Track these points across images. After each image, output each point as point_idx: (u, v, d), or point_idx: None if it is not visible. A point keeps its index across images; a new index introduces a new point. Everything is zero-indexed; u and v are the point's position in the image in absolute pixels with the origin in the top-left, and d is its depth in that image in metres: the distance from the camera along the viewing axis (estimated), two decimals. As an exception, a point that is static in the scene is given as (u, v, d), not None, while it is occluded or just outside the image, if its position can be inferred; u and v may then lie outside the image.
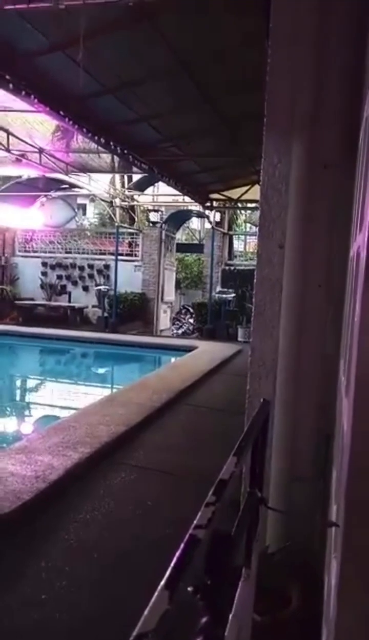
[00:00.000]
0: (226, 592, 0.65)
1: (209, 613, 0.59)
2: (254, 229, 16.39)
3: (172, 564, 0.47)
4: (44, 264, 15.17)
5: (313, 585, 1.97)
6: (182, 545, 0.51)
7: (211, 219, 13.81)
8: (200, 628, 0.58)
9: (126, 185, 14.54)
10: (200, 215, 15.97)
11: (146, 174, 11.69)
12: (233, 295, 13.57)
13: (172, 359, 10.38)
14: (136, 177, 13.94)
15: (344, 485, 1.14)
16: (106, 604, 2.32)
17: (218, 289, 14.15)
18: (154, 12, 4.72)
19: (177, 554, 0.49)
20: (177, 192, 13.18)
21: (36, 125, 8.34)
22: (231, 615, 0.89)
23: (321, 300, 2.40)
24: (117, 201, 13.79)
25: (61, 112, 6.39)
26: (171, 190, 13.20)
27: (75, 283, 14.97)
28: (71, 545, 2.83)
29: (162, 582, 0.44)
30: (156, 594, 0.42)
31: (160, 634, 0.38)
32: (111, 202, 14.08)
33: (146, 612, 0.40)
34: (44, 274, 15.14)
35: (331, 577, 1.47)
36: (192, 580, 0.57)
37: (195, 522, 0.56)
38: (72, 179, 12.01)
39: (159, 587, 0.43)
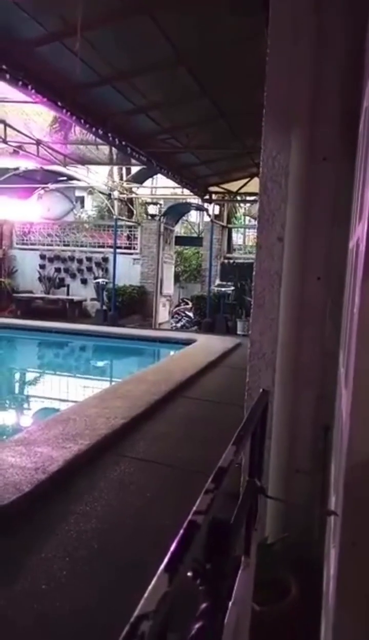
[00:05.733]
0: (225, 578, 0.66)
1: (209, 599, 0.60)
2: (253, 222, 16.34)
3: (172, 548, 0.47)
4: (42, 257, 15.13)
5: (312, 575, 1.99)
6: (182, 530, 0.51)
7: (210, 211, 13.76)
8: (200, 613, 0.59)
9: (125, 178, 14.48)
10: (199, 208, 15.92)
11: (144, 167, 11.63)
12: (232, 288, 13.55)
13: (171, 352, 10.39)
14: (134, 170, 13.87)
15: (343, 475, 1.15)
16: (104, 595, 2.34)
17: (217, 282, 14.12)
18: (153, 4, 4.68)
19: (177, 538, 0.49)
20: (176, 185, 13.13)
21: (34, 116, 8.29)
22: (230, 603, 0.90)
23: (320, 293, 2.41)
24: (116, 194, 13.73)
25: (59, 103, 6.35)
26: (170, 182, 13.15)
27: (73, 276, 14.94)
28: (71, 536, 2.85)
29: (162, 566, 0.44)
30: (155, 577, 0.43)
31: (160, 615, 0.38)
32: (109, 195, 14.02)
33: (146, 594, 0.40)
34: (42, 266, 15.10)
35: (330, 567, 1.48)
36: (192, 565, 0.58)
37: (194, 508, 0.57)
38: (70, 171, 11.95)
39: (159, 570, 0.43)
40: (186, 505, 0.61)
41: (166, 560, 0.45)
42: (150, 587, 0.41)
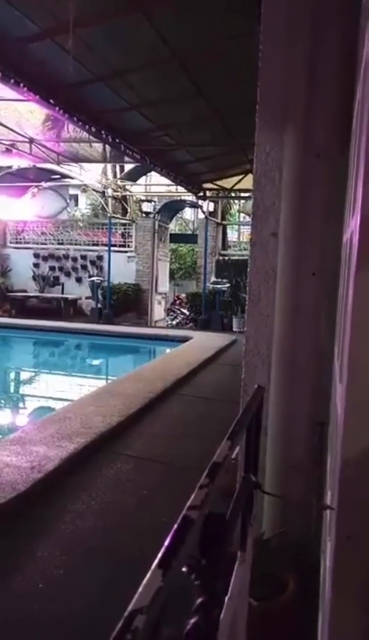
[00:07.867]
0: (221, 573, 0.66)
1: (205, 594, 0.60)
2: (248, 219, 16.34)
3: (165, 544, 0.47)
4: (36, 256, 15.09)
5: (309, 570, 1.99)
6: (175, 526, 0.51)
7: (204, 209, 13.75)
8: (195, 608, 0.59)
9: (118, 175, 14.43)
10: (193, 205, 15.89)
11: (138, 164, 11.60)
12: (227, 285, 13.56)
13: (167, 350, 10.39)
14: (128, 167, 13.82)
15: (338, 470, 1.15)
16: (101, 595, 2.34)
17: (212, 279, 14.13)
18: (147, 2, 4.66)
19: (171, 533, 0.49)
20: (170, 182, 13.10)
21: (26, 114, 8.24)
22: (227, 598, 0.90)
23: (315, 288, 2.41)
24: (110, 191, 13.69)
25: (51, 101, 6.31)
26: (164, 180, 13.12)
27: (68, 274, 14.91)
28: (67, 535, 2.84)
29: (156, 561, 0.44)
30: (149, 572, 0.42)
31: (154, 610, 0.38)
32: (103, 193, 13.98)
33: (139, 590, 0.40)
34: (36, 265, 15.06)
35: (326, 561, 1.49)
36: (187, 560, 0.57)
37: (189, 503, 0.57)
38: (63, 169, 11.90)
39: (153, 566, 0.43)
40: (182, 502, 0.61)
41: (159, 555, 0.45)
42: (144, 582, 0.41)
